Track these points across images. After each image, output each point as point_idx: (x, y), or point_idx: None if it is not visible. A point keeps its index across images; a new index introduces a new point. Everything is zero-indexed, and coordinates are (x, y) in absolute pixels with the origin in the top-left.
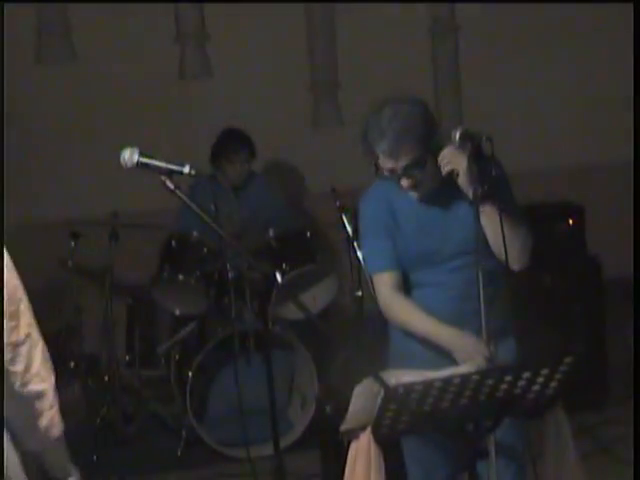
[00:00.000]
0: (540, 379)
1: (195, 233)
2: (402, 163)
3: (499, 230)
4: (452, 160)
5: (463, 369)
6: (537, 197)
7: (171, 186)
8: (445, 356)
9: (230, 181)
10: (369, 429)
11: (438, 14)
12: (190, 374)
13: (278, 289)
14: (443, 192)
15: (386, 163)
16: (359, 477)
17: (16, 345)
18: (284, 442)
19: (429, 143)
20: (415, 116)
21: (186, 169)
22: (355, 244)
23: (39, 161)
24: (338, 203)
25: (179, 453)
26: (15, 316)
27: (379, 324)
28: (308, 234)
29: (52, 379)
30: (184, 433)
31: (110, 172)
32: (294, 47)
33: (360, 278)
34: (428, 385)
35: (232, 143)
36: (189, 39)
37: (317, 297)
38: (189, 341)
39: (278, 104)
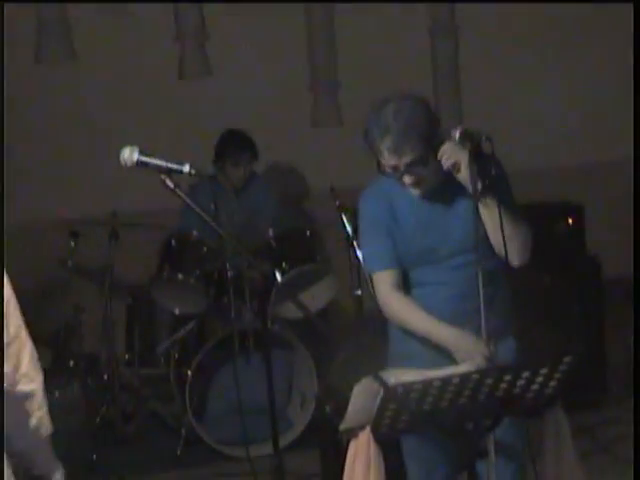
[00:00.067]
0: (539, 378)
1: (195, 232)
2: (406, 160)
3: (499, 226)
4: (453, 154)
5: (462, 368)
6: (537, 197)
7: (171, 185)
8: (445, 355)
9: (232, 183)
10: (368, 428)
11: (438, 14)
12: (189, 373)
13: (278, 288)
14: (444, 190)
15: (389, 160)
16: (358, 476)
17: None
18: (283, 441)
19: (432, 140)
20: (418, 113)
21: (186, 168)
22: (355, 243)
23: (38, 161)
24: (338, 202)
25: (179, 452)
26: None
27: (379, 323)
28: (308, 233)
29: (41, 379)
30: (183, 432)
31: (110, 172)
32: (294, 47)
33: (360, 277)
34: (427, 384)
35: (235, 145)
36: (189, 39)
37: (316, 296)
38: (188, 340)
39: (278, 104)
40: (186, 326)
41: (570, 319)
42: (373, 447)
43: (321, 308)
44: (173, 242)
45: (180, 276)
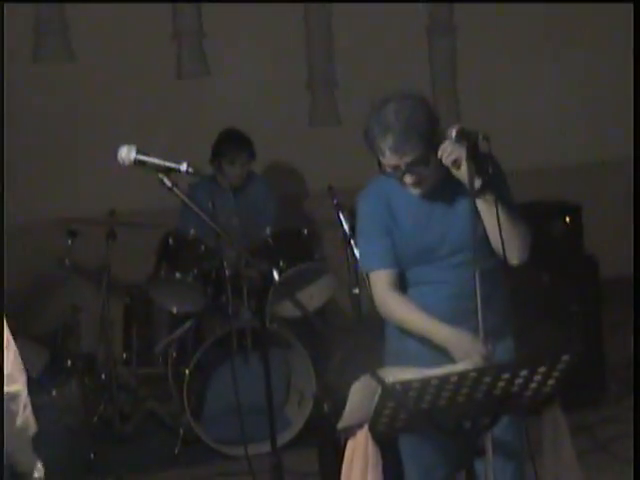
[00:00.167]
0: (537, 377)
1: (192, 231)
2: (407, 159)
3: (500, 224)
4: (454, 151)
5: (460, 367)
6: (534, 196)
7: (168, 184)
8: (442, 354)
9: (230, 182)
10: (366, 427)
11: (435, 14)
12: (187, 372)
13: (275, 287)
14: (443, 189)
15: (390, 160)
16: (356, 475)
17: None
18: (281, 440)
19: (432, 140)
20: (419, 113)
21: (183, 167)
22: (352, 242)
23: (36, 160)
24: (335, 201)
25: (176, 451)
26: None
27: (376, 322)
28: (305, 232)
29: (24, 380)
30: (181, 431)
31: (107, 170)
32: (291, 46)
33: (357, 276)
34: (425, 383)
35: (232, 145)
36: (186, 38)
37: (314, 295)
38: (186, 339)
39: (275, 103)
40: (184, 325)
41: (568, 318)
42: (371, 446)
43: (319, 307)
44: (171, 241)
45: (178, 275)
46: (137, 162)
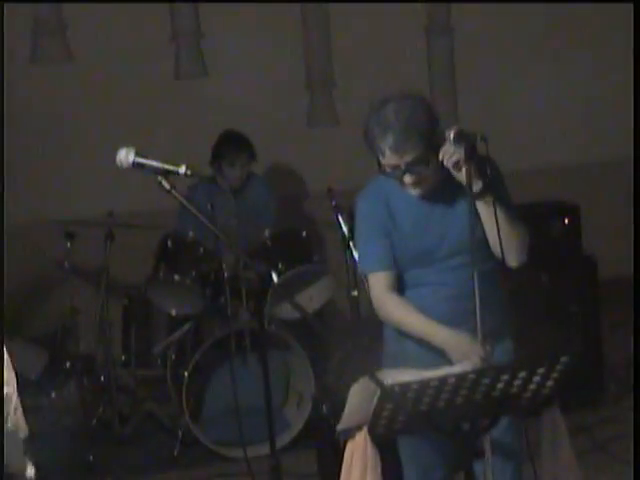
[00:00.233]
0: (536, 378)
1: (191, 233)
2: (407, 159)
3: (500, 226)
4: (455, 153)
5: (459, 369)
6: (532, 196)
7: (167, 186)
8: (440, 356)
9: (229, 184)
10: (365, 429)
11: (434, 14)
12: (186, 374)
13: (274, 289)
14: (442, 190)
15: (390, 159)
16: (356, 477)
17: None
18: (280, 442)
19: (432, 140)
20: (419, 112)
21: (182, 169)
22: (351, 244)
23: (34, 161)
24: (334, 203)
25: (175, 453)
26: None
27: (375, 324)
28: (304, 234)
29: (14, 383)
30: (180, 433)
31: (106, 172)
32: (290, 46)
33: (356, 278)
34: (424, 384)
35: (231, 146)
36: (184, 38)
37: (313, 297)
38: (185, 341)
39: (273, 103)
40: (182, 327)
41: (567, 318)
42: (370, 448)
43: (318, 309)
44: (169, 243)
45: (176, 277)
46: (136, 165)
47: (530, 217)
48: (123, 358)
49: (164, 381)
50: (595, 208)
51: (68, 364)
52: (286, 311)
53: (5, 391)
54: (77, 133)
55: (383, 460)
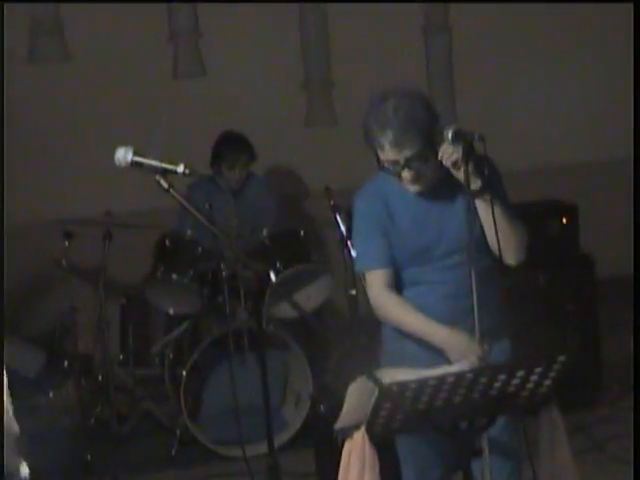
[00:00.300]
0: (534, 377)
1: (189, 232)
2: (406, 154)
3: (498, 224)
4: (455, 151)
5: (457, 368)
6: (530, 195)
7: (165, 185)
8: (439, 355)
9: (229, 185)
10: (363, 428)
11: (431, 13)
12: (184, 373)
13: (272, 288)
14: (440, 189)
15: (389, 154)
16: (353, 476)
17: None
18: (278, 441)
19: (431, 136)
20: (418, 108)
21: (180, 168)
22: (349, 243)
23: (32, 161)
24: (332, 202)
25: (173, 452)
26: None
27: (373, 323)
28: (302, 233)
29: (4, 382)
30: (178, 432)
31: (104, 171)
32: (288, 46)
33: (354, 277)
34: (422, 384)
35: (231, 148)
36: (182, 38)
37: (311, 296)
38: (183, 340)
39: (272, 103)
40: (180, 326)
41: (564, 318)
42: (368, 447)
43: (316, 308)
44: (167, 242)
45: (174, 276)
46: (134, 164)
47: (528, 216)
48: (121, 357)
49: (162, 380)
50: (593, 207)
51: (66, 363)
52: (284, 310)
53: None
54: (75, 133)
55: (381, 459)
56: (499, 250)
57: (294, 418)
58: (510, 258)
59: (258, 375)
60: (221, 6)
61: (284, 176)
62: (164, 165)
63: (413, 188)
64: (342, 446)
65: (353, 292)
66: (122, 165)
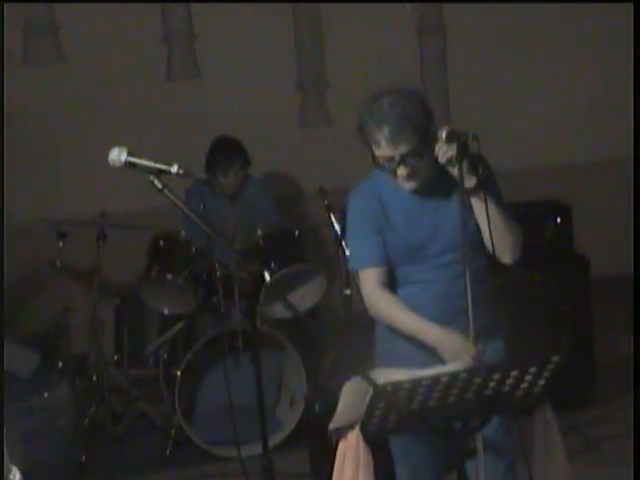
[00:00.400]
0: (528, 377)
1: (183, 232)
2: (402, 150)
3: (494, 222)
4: (450, 149)
5: (451, 367)
6: (525, 195)
7: (159, 185)
8: (433, 355)
9: (224, 190)
10: (358, 428)
11: (425, 13)
12: (179, 374)
13: (266, 288)
14: (435, 187)
15: (385, 150)
16: (348, 476)
17: None
18: (273, 441)
19: (426, 133)
20: (413, 105)
21: (174, 169)
22: (343, 243)
23: (26, 161)
24: (326, 202)
25: (168, 453)
26: None
27: (368, 323)
28: (297, 233)
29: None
30: (173, 433)
31: (98, 172)
32: (282, 46)
33: (349, 277)
34: (416, 383)
35: (224, 154)
36: (177, 39)
37: (306, 296)
38: (177, 341)
39: (266, 104)
40: (175, 326)
41: (559, 318)
42: (362, 447)
43: (310, 308)
44: (161, 242)
45: (169, 276)
46: (128, 164)
47: (523, 216)
48: (115, 358)
49: (156, 381)
50: (587, 208)
51: (60, 364)
52: (279, 310)
53: None
54: (69, 133)
55: (375, 459)
56: (493, 248)
57: (289, 418)
58: (505, 257)
59: (252, 375)
60: (215, 7)
61: (278, 177)
62: (158, 165)
63: (408, 185)
64: (336, 446)
65: (347, 292)
66: (116, 165)
